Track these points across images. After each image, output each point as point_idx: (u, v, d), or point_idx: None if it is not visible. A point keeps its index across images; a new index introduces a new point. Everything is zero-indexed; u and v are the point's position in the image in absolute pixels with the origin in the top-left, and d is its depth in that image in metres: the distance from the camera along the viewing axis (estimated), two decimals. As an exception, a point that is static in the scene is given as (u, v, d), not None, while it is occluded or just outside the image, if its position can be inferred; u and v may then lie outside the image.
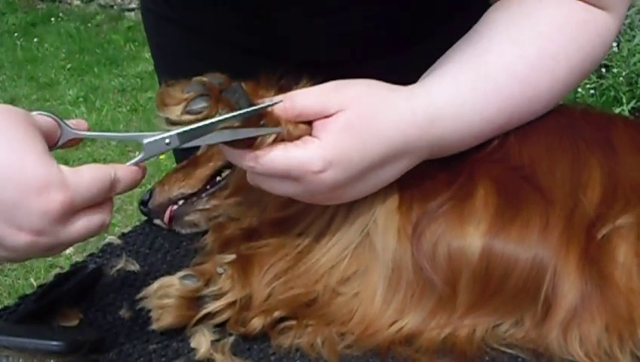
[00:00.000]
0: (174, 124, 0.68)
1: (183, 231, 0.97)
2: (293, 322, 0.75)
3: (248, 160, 0.69)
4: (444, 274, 0.72)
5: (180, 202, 0.95)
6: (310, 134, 0.70)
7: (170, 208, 0.95)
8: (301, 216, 0.80)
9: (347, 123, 0.68)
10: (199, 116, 0.67)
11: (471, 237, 0.72)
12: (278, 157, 0.68)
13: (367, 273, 0.76)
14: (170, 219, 0.96)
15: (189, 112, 0.67)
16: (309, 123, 0.70)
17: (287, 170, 0.68)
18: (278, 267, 0.78)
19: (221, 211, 0.93)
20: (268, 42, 1.03)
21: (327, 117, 0.69)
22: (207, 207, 0.94)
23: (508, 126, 0.78)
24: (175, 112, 0.67)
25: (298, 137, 0.69)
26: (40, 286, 0.86)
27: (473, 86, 0.75)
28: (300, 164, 0.68)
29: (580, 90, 3.48)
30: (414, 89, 0.75)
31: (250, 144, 0.68)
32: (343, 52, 1.00)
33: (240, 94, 0.68)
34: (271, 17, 1.00)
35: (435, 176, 0.77)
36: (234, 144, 0.69)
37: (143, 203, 0.97)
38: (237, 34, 1.04)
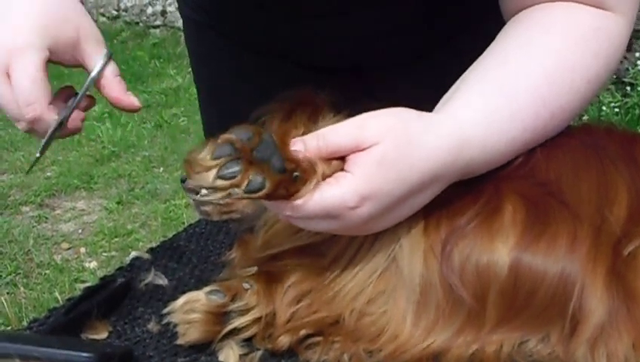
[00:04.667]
0: (208, 188, 0.67)
1: (199, 216, 1.08)
2: (320, 338, 0.76)
3: (287, 210, 0.69)
4: (473, 289, 0.72)
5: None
6: (342, 168, 0.69)
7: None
8: (327, 244, 0.79)
9: (382, 157, 0.68)
10: (234, 181, 0.66)
11: (499, 252, 0.72)
12: (314, 201, 0.68)
13: (394, 293, 0.76)
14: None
15: (221, 178, 0.66)
16: (342, 158, 0.70)
17: (324, 212, 0.68)
18: (300, 288, 0.78)
19: (232, 208, 1.02)
20: (293, 46, 1.05)
21: (359, 150, 0.69)
22: (221, 202, 0.99)
23: (533, 142, 0.78)
24: (207, 180, 0.66)
25: (331, 174, 0.69)
26: (69, 299, 0.87)
27: (497, 108, 0.75)
28: (336, 202, 0.68)
29: (604, 108, 3.46)
30: (441, 116, 0.75)
31: (286, 194, 0.68)
32: (365, 57, 1.01)
33: (272, 150, 0.66)
34: (294, 18, 1.01)
35: (461, 193, 0.76)
36: (270, 196, 0.68)
37: (182, 180, 1.04)
38: (265, 39, 1.05)
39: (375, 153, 0.68)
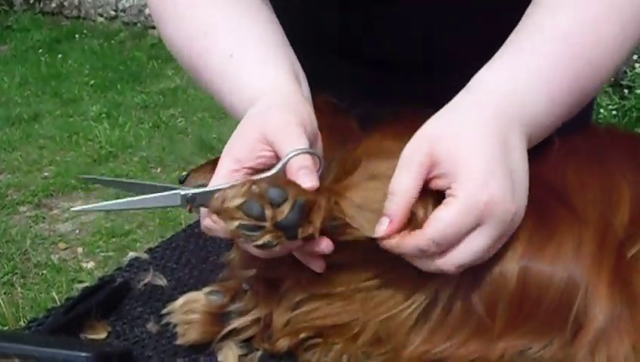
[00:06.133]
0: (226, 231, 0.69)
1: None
2: (320, 340, 0.75)
3: (428, 238, 0.67)
4: (485, 300, 0.71)
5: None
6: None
7: None
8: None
9: (452, 147, 0.68)
10: (249, 238, 0.66)
11: (507, 261, 0.71)
12: (450, 213, 0.67)
13: (403, 301, 0.75)
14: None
15: (241, 229, 0.66)
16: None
17: (466, 215, 0.66)
18: (295, 295, 0.76)
19: None
20: (360, 38, 1.02)
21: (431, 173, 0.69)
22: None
23: (577, 96, 0.77)
24: (228, 225, 0.67)
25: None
26: (68, 299, 0.87)
27: (525, 63, 0.74)
28: (468, 198, 0.66)
29: (602, 110, 3.47)
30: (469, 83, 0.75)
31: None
32: (421, 50, 0.99)
33: (297, 220, 0.66)
34: (362, 4, 0.98)
35: None
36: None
37: (180, 181, 1.02)
38: (336, 34, 1.03)
39: (445, 155, 0.68)
